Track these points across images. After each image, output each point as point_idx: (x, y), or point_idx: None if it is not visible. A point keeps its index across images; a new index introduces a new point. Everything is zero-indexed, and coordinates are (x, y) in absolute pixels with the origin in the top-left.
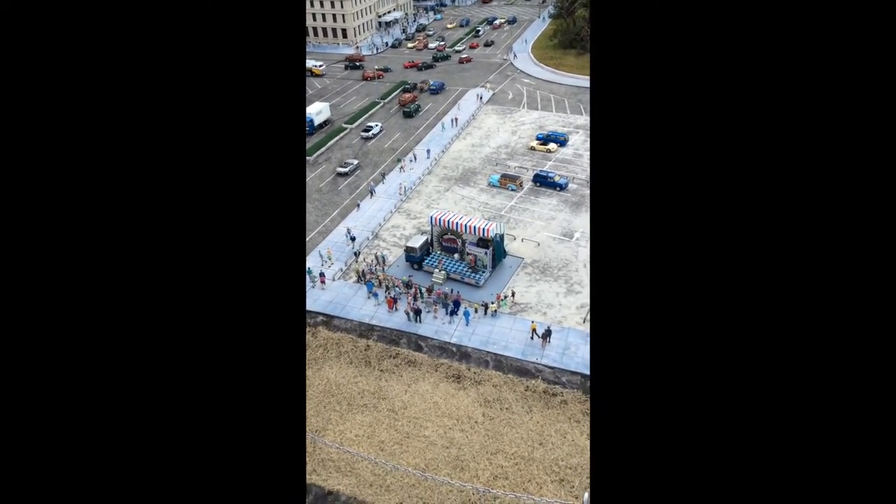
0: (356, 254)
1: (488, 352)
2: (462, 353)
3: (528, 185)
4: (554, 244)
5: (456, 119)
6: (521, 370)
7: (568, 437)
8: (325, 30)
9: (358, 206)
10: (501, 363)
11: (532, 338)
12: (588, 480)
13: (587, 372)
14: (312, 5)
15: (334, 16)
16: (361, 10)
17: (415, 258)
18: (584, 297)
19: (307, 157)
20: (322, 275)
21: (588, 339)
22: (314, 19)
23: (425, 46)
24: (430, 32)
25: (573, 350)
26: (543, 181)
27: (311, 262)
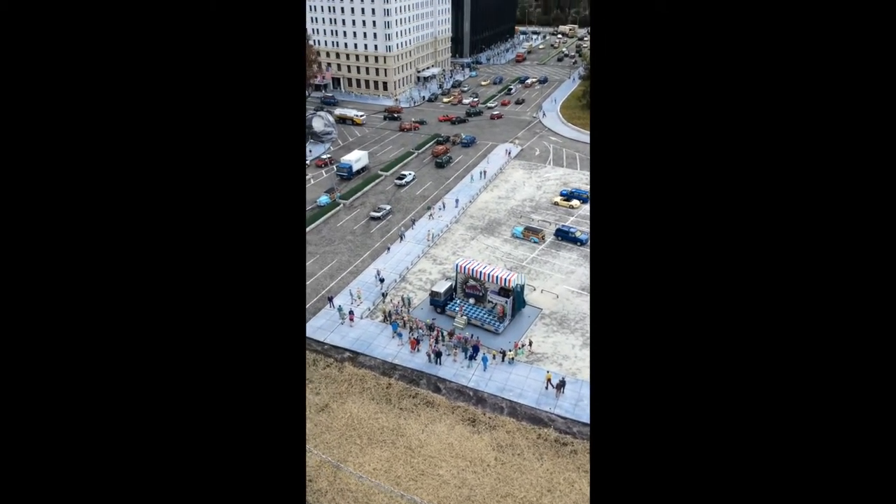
0: (384, 295)
1: (504, 398)
2: (478, 398)
3: (550, 238)
4: (572, 297)
5: (485, 172)
6: (535, 418)
7: (576, 486)
8: (367, 82)
9: (388, 249)
10: (516, 410)
11: (547, 387)
12: None
13: None
14: (357, 59)
15: (377, 70)
16: (402, 66)
17: (439, 302)
18: None
19: (344, 201)
20: (351, 312)
21: None
22: (358, 72)
23: (460, 101)
24: (465, 88)
25: (586, 402)
26: (565, 236)
27: (342, 299)
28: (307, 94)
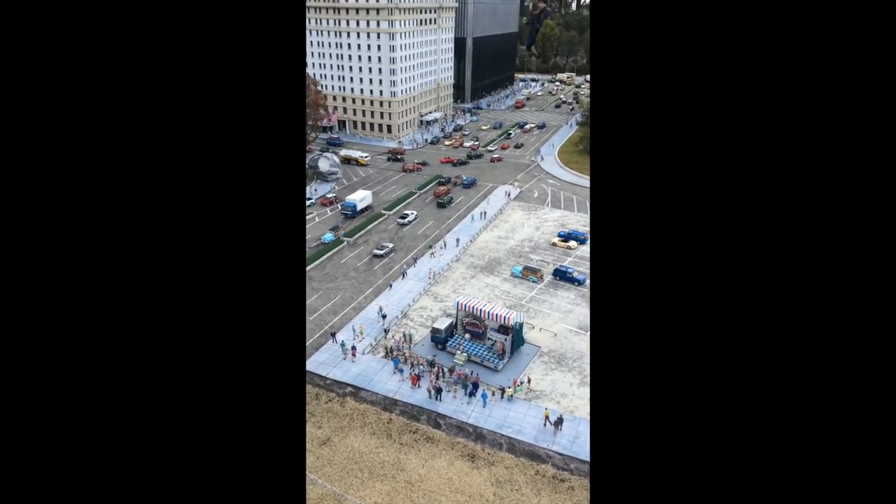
0: (386, 331)
1: (502, 434)
2: (478, 434)
3: (548, 278)
4: (570, 336)
5: (485, 212)
6: (533, 455)
7: None
8: (372, 125)
9: (390, 286)
10: (514, 446)
11: (545, 424)
12: None
13: None
14: (363, 103)
15: (381, 113)
16: (406, 110)
17: (439, 339)
18: None
19: (348, 239)
20: (354, 348)
21: None
22: (363, 115)
23: (461, 145)
24: (466, 132)
25: (583, 439)
26: (563, 276)
27: (345, 335)
28: (314, 136)
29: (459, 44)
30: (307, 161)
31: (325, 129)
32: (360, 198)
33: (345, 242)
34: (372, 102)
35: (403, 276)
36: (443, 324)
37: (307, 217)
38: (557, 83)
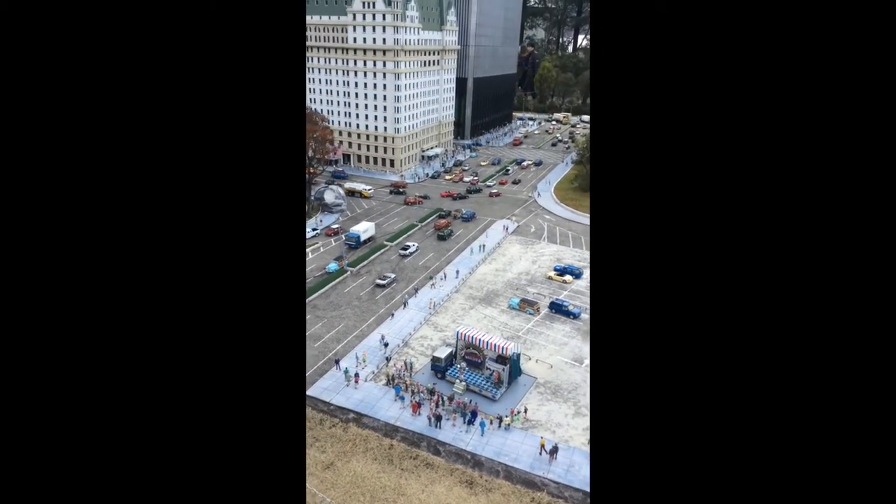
0: (387, 359)
1: (500, 462)
2: (476, 461)
3: (544, 310)
4: (566, 368)
5: (483, 245)
6: (529, 482)
7: None
8: (375, 159)
9: (392, 315)
10: (511, 474)
11: (541, 453)
12: None
13: (588, 489)
14: (368, 138)
15: (385, 148)
16: (408, 146)
17: (439, 368)
18: None
19: (352, 269)
20: (357, 375)
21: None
22: (367, 149)
23: (461, 179)
24: (466, 168)
25: (577, 468)
26: (559, 309)
27: (348, 362)
28: (321, 169)
29: (461, 83)
30: (313, 193)
31: (330, 163)
32: (364, 229)
33: (348, 272)
34: (376, 138)
35: (405, 305)
36: (443, 353)
37: (312, 247)
38: (554, 122)
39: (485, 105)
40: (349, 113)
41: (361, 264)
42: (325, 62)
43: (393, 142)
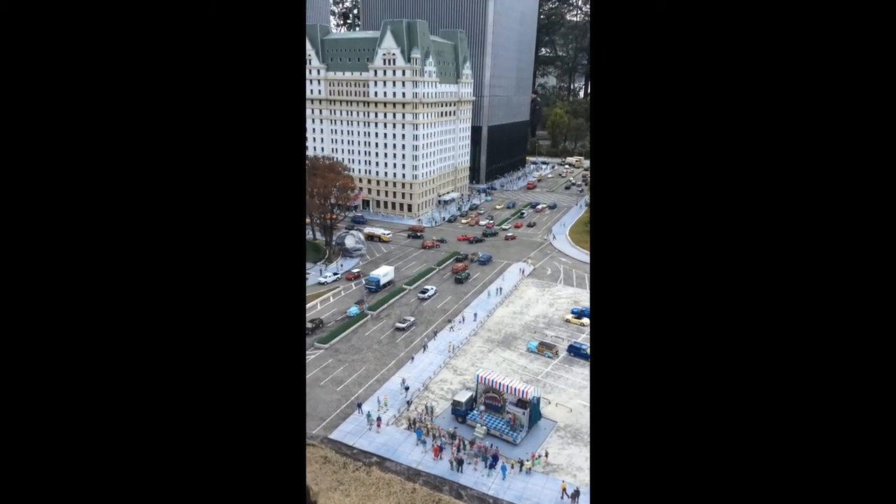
0: (408, 402)
1: None
2: None
3: (563, 354)
4: (585, 412)
5: (500, 288)
6: None
7: None
8: (393, 204)
9: (412, 358)
10: None
11: (562, 497)
12: None
13: None
14: (387, 185)
15: (403, 194)
16: (426, 191)
17: (460, 412)
18: None
19: (372, 312)
20: (379, 419)
21: None
22: (386, 195)
23: (477, 223)
24: (482, 212)
25: None
26: (577, 352)
27: (370, 406)
28: (343, 215)
29: (476, 131)
30: (334, 238)
31: (350, 208)
32: (383, 273)
33: (368, 316)
34: (395, 184)
35: (424, 349)
36: (463, 397)
37: (333, 291)
38: (567, 166)
39: (499, 150)
40: (369, 161)
41: (381, 308)
42: (348, 114)
43: (411, 187)
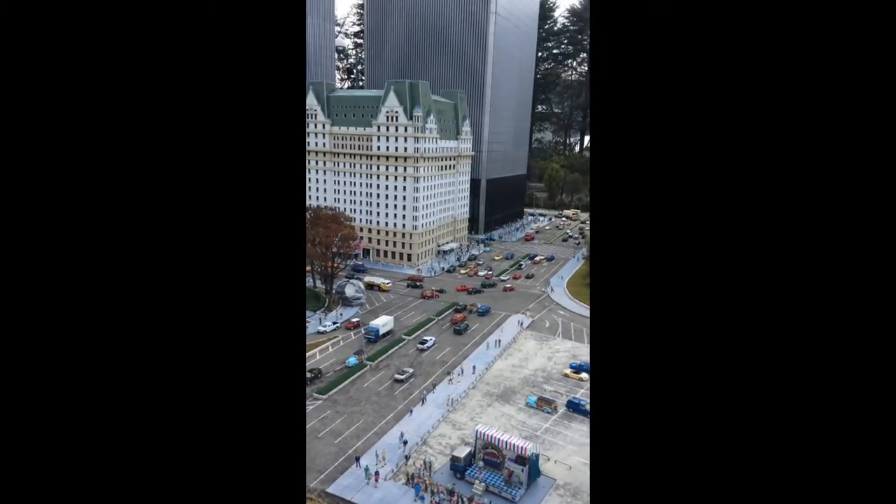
0: (406, 457)
1: None
2: None
3: (562, 409)
4: (584, 469)
5: (499, 340)
6: None
7: None
8: (393, 253)
9: (411, 411)
10: None
11: None
12: None
13: None
14: (387, 234)
15: (403, 244)
16: (425, 241)
17: (459, 467)
18: None
19: (371, 363)
20: (377, 473)
21: None
22: (386, 244)
23: (475, 273)
24: (480, 262)
25: None
26: (576, 408)
27: (368, 459)
28: (344, 265)
29: (475, 184)
30: (335, 287)
31: (350, 257)
32: (383, 323)
33: (367, 366)
34: (395, 234)
35: (423, 401)
36: (462, 452)
37: (333, 341)
38: (564, 219)
39: (497, 202)
40: (370, 211)
41: (380, 358)
42: (351, 166)
43: (411, 237)
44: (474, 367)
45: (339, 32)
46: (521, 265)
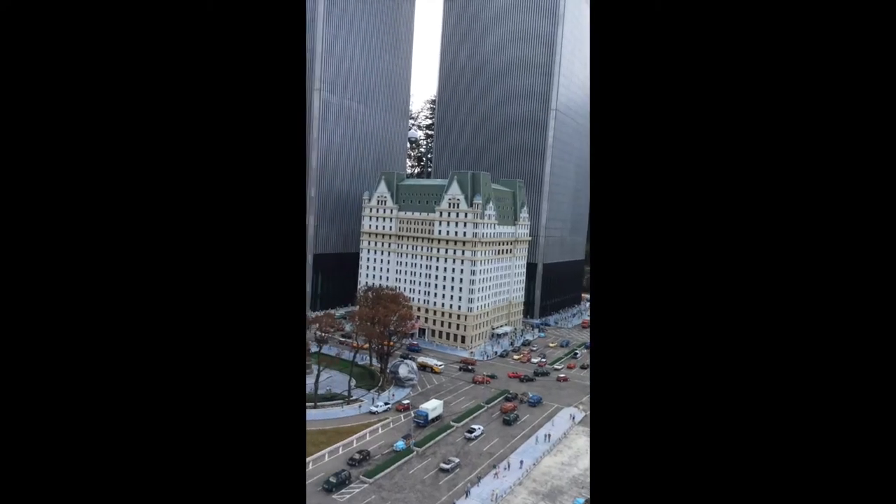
0: None
1: None
2: None
3: None
4: None
5: (549, 435)
6: None
7: None
8: (448, 334)
9: None
10: None
11: None
12: None
13: None
14: (443, 315)
15: (458, 325)
16: (479, 323)
17: None
18: None
19: (418, 448)
20: None
21: None
22: (441, 325)
23: (528, 360)
24: (534, 348)
25: None
26: None
27: None
28: (400, 344)
29: (531, 268)
30: (389, 366)
31: (405, 336)
32: (432, 407)
33: (414, 452)
34: (451, 314)
35: (467, 494)
36: None
37: (383, 422)
38: None
39: (554, 287)
40: (428, 292)
41: (428, 444)
42: (413, 248)
43: (465, 319)
44: (521, 462)
45: (413, 125)
46: (577, 354)
